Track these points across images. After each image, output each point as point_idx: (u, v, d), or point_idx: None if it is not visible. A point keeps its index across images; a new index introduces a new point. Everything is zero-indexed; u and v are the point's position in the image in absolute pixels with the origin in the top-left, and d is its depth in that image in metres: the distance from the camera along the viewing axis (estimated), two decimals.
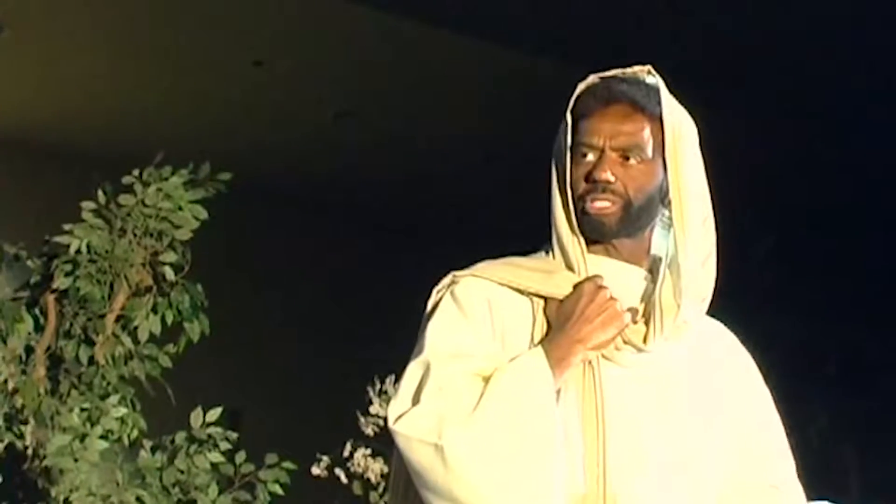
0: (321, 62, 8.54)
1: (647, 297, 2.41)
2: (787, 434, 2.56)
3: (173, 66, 8.50)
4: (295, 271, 10.28)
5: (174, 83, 8.70)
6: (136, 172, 4.91)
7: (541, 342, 2.36)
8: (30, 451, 4.80)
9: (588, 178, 2.38)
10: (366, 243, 10.47)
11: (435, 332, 2.38)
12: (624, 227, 2.40)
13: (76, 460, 4.61)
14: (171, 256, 4.86)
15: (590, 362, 2.36)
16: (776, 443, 2.54)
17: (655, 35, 7.83)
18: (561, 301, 2.38)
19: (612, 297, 2.35)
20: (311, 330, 10.18)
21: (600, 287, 2.36)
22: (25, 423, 4.82)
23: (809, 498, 2.57)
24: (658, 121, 2.41)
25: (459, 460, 2.23)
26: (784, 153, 9.35)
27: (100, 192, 4.90)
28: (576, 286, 2.38)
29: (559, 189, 2.41)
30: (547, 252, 2.47)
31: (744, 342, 2.58)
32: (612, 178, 2.37)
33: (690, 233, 2.41)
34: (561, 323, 2.35)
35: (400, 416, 2.30)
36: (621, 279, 2.41)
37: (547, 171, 2.47)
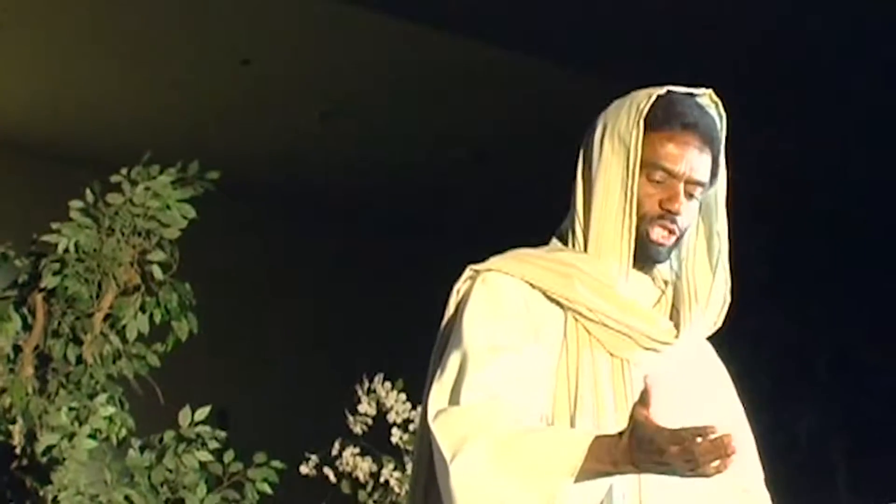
0: (310, 61, 8.53)
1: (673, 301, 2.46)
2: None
3: (161, 65, 8.48)
4: (282, 270, 10.27)
5: (162, 82, 8.68)
6: (124, 171, 4.90)
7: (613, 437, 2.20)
8: (18, 451, 4.79)
9: (661, 205, 2.40)
10: (355, 242, 10.46)
11: (472, 324, 2.38)
12: (668, 256, 2.46)
13: (64, 459, 4.60)
14: (159, 255, 4.86)
15: (626, 362, 2.39)
16: (749, 448, 2.57)
17: (655, 36, 7.83)
18: (659, 430, 2.14)
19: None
20: (299, 328, 10.17)
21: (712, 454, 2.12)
22: (13, 422, 4.81)
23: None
24: (715, 156, 2.46)
25: (458, 490, 2.23)
26: (783, 154, 9.35)
27: (88, 191, 4.89)
28: (690, 438, 2.12)
29: (624, 198, 2.40)
30: (564, 242, 2.48)
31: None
32: (682, 212, 2.41)
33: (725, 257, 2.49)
34: (637, 440, 2.15)
35: (437, 414, 2.31)
36: (640, 287, 2.44)
37: (583, 166, 2.46)
